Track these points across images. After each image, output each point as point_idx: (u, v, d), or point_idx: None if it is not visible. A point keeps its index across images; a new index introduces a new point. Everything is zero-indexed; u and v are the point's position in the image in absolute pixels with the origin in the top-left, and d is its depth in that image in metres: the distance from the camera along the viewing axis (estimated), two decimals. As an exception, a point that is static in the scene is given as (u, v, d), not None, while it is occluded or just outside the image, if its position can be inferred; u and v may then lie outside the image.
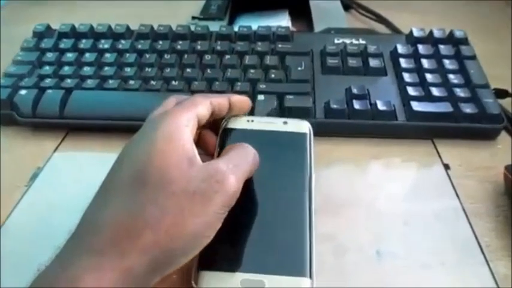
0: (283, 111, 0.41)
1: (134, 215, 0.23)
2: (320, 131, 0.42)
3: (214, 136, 0.33)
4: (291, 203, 0.31)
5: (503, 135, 0.41)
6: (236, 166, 0.27)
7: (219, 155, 0.29)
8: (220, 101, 0.31)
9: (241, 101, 0.33)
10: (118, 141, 0.41)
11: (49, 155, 0.40)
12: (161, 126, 0.26)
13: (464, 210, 0.34)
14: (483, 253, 0.31)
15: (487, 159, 0.39)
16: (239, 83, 0.43)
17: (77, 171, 0.39)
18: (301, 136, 0.34)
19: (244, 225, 0.29)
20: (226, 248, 0.28)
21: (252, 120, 0.35)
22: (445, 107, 0.40)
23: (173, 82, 0.43)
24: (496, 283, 0.30)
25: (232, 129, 0.34)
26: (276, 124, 0.34)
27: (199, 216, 0.24)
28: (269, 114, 0.41)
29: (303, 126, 0.35)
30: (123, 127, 0.41)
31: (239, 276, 0.27)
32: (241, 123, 0.35)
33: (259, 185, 0.31)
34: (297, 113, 0.41)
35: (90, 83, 0.43)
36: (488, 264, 0.31)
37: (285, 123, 0.35)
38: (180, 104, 0.29)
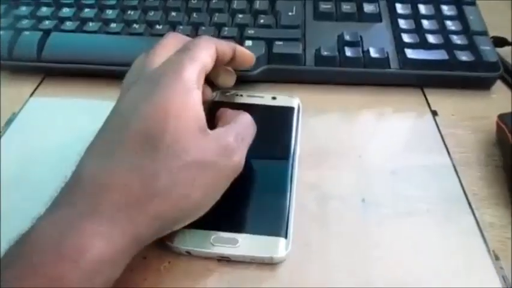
0: (271, 58, 0.39)
1: (145, 181, 0.22)
2: (310, 79, 0.40)
3: (210, 90, 0.32)
4: (273, 171, 0.32)
5: (499, 84, 0.40)
6: (243, 140, 0.27)
7: (212, 124, 0.28)
8: (225, 49, 0.30)
9: (246, 54, 0.32)
10: (98, 87, 0.40)
11: (25, 100, 0.38)
12: (172, 86, 0.25)
13: (452, 159, 0.34)
14: (469, 202, 0.31)
15: (481, 109, 0.38)
16: (226, 28, 0.41)
17: (53, 118, 0.37)
18: (289, 110, 0.36)
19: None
20: None
21: (241, 95, 0.37)
22: (440, 55, 0.39)
23: (157, 26, 0.41)
24: (480, 230, 0.29)
25: (221, 103, 0.34)
26: (265, 99, 0.36)
27: (208, 188, 0.24)
28: (257, 61, 0.39)
29: (291, 101, 0.37)
30: (103, 72, 0.39)
31: (212, 234, 0.27)
32: (231, 97, 0.36)
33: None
34: (286, 60, 0.39)
35: (69, 25, 0.41)
36: (473, 213, 0.30)
37: (274, 98, 0.37)
38: (184, 52, 0.27)
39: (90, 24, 0.41)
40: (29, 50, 0.39)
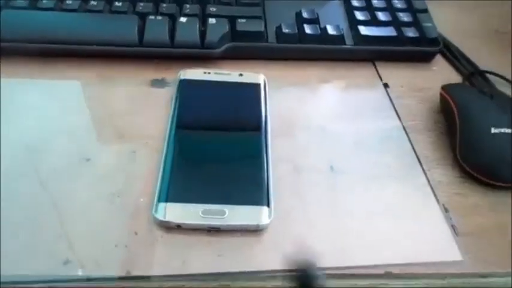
0: (235, 35, 0.40)
1: None
2: (272, 56, 0.42)
3: None
4: (249, 145, 0.34)
5: (438, 58, 0.44)
6: None
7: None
8: None
9: None
10: (56, 66, 0.39)
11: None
12: None
13: (404, 127, 0.38)
14: (421, 163, 0.35)
15: (425, 81, 0.42)
16: (188, 5, 0.41)
17: (13, 100, 0.36)
18: (256, 86, 0.38)
19: (206, 164, 0.32)
20: (189, 184, 0.30)
21: (209, 72, 0.37)
22: (389, 31, 0.42)
23: (116, 3, 0.41)
24: (432, 189, 0.33)
25: (189, 80, 0.35)
26: (232, 76, 0.38)
27: None
28: (221, 38, 0.40)
29: (257, 77, 0.38)
30: (61, 51, 0.38)
31: (201, 207, 0.28)
32: (198, 74, 0.37)
33: (221, 128, 0.34)
34: (249, 37, 0.41)
35: (20, 1, 0.39)
36: (425, 173, 0.34)
37: (241, 75, 0.38)
38: None
39: (44, 1, 0.39)
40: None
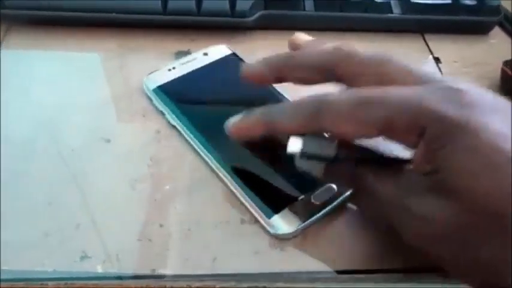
0: (268, 3, 0.37)
1: None
2: (309, 26, 0.38)
3: None
4: None
5: (496, 30, 0.39)
6: None
7: None
8: None
9: None
10: (75, 37, 0.36)
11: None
12: None
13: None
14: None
15: (482, 55, 0.37)
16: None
17: (28, 73, 0.33)
18: (229, 58, 0.34)
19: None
20: (272, 181, 0.26)
21: (174, 67, 0.33)
22: (443, -2, 0.37)
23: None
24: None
25: (160, 87, 0.31)
26: (199, 59, 0.33)
27: None
28: (253, 6, 0.36)
29: (222, 50, 0.34)
30: (78, 20, 0.35)
31: (308, 196, 0.26)
32: (165, 75, 0.32)
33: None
34: (284, 5, 0.37)
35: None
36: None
37: (205, 54, 0.34)
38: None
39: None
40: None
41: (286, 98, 0.31)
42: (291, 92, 0.31)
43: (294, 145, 0.22)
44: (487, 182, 0.17)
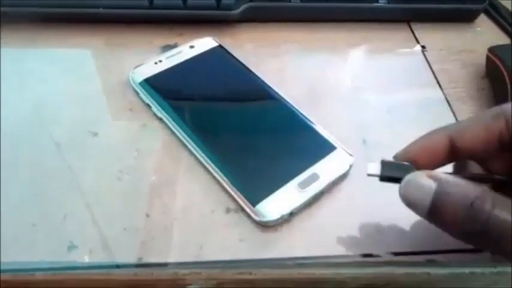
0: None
1: None
2: (295, 17, 0.38)
3: None
4: (270, 107, 0.31)
5: (482, 17, 0.40)
6: None
7: None
8: None
9: None
10: (62, 33, 0.36)
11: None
12: None
13: (446, 95, 0.34)
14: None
15: (468, 43, 0.37)
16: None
17: (21, 71, 0.33)
18: (215, 50, 0.34)
19: (248, 142, 0.29)
20: (256, 169, 0.27)
21: (160, 61, 0.33)
22: (428, -13, 0.37)
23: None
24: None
25: (147, 80, 0.31)
26: (185, 52, 0.34)
27: None
28: (239, -2, 0.36)
29: (208, 42, 0.35)
30: (65, 16, 0.35)
31: (293, 184, 0.26)
32: (151, 68, 0.32)
33: (233, 101, 0.31)
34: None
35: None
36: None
37: (192, 47, 0.34)
38: None
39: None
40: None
41: (274, 91, 0.31)
42: (280, 85, 0.31)
43: (373, 168, 0.23)
44: None
